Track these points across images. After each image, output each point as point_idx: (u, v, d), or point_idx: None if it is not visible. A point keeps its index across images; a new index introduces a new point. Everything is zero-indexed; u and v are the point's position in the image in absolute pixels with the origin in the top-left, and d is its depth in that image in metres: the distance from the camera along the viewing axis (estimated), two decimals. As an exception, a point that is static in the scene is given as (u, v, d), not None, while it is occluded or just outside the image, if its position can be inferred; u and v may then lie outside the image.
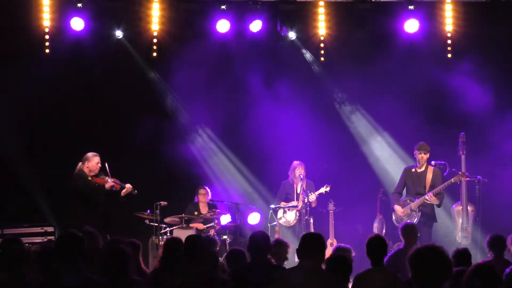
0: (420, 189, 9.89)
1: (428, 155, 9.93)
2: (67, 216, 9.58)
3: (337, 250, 6.62)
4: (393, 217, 10.06)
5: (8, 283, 5.42)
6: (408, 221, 9.50)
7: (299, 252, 5.10)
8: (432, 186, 9.78)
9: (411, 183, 10.00)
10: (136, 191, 9.69)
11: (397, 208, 9.91)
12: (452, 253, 6.18)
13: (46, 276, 5.12)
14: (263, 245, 5.68)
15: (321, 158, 11.81)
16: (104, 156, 9.82)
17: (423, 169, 9.95)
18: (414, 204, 9.79)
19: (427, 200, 9.69)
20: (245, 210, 10.99)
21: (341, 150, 11.84)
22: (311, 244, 5.06)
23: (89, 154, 9.48)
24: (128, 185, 9.64)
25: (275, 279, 5.01)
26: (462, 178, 9.69)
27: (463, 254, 6.14)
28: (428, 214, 9.83)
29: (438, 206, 9.91)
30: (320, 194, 10.62)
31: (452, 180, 9.68)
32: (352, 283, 5.79)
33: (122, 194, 9.64)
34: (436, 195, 9.69)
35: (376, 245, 5.87)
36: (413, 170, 10.03)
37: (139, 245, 6.30)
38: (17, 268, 5.16)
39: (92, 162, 9.41)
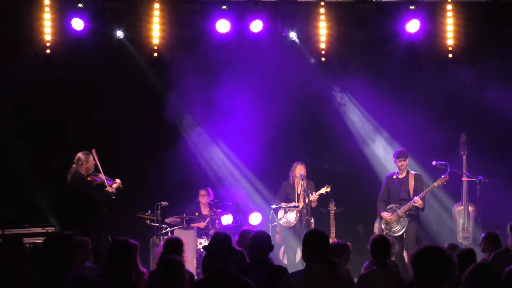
0: (404, 195, 10.03)
1: (407, 161, 10.09)
2: (69, 219, 9.57)
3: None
4: (379, 225, 10.13)
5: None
6: (398, 227, 9.88)
7: (304, 253, 5.05)
8: (415, 191, 9.94)
9: (394, 190, 10.14)
10: (122, 186, 9.64)
11: (385, 214, 10.03)
12: (456, 253, 6.17)
13: (41, 276, 5.11)
14: (264, 245, 5.65)
15: (322, 158, 11.81)
16: (104, 157, 9.83)
17: (404, 175, 10.11)
18: (401, 211, 9.94)
19: (414, 203, 9.83)
20: (246, 211, 10.98)
21: (342, 150, 11.84)
22: (316, 243, 5.01)
23: (82, 155, 9.33)
24: (117, 180, 9.63)
25: (282, 282, 4.97)
26: (445, 182, 9.82)
27: (467, 254, 6.11)
28: (413, 216, 10.00)
29: (422, 209, 10.02)
30: (321, 194, 10.62)
31: (435, 184, 9.84)
32: (356, 283, 5.78)
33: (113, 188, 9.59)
34: (422, 198, 9.84)
35: (380, 245, 5.86)
36: (394, 177, 10.20)
37: (136, 246, 6.28)
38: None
39: (89, 161, 9.36)
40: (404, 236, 9.92)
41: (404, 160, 10.05)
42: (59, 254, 4.63)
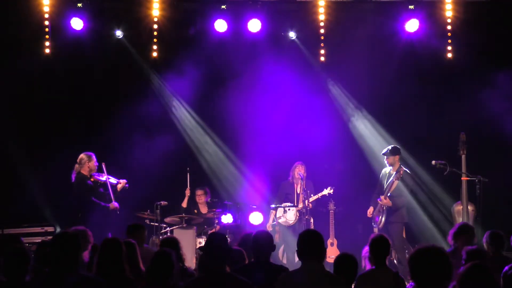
0: (387, 190, 10.18)
1: (391, 158, 10.26)
2: (69, 218, 9.63)
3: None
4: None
5: (6, 285, 5.44)
6: (380, 217, 10.10)
7: (299, 252, 5.07)
8: (397, 190, 10.13)
9: (383, 184, 10.32)
10: (128, 185, 9.78)
11: (370, 210, 10.35)
12: (464, 253, 6.18)
13: (45, 275, 5.13)
14: (266, 245, 5.64)
15: (321, 158, 11.81)
16: (104, 156, 9.86)
17: (393, 171, 10.26)
18: (378, 208, 10.23)
19: (380, 202, 10.10)
20: (246, 210, 10.99)
21: (342, 150, 11.84)
22: (310, 243, 5.03)
23: (85, 156, 9.62)
24: (123, 180, 9.76)
25: (279, 281, 4.98)
26: (400, 176, 10.00)
27: (476, 253, 6.08)
28: (394, 213, 10.11)
29: (393, 207, 10.08)
30: (323, 196, 10.70)
31: (394, 180, 10.00)
32: (355, 282, 5.77)
33: (118, 189, 9.76)
34: (390, 197, 10.04)
35: (380, 245, 5.85)
36: (387, 171, 10.36)
37: (134, 245, 6.28)
38: (16, 269, 5.15)
39: (92, 162, 9.63)
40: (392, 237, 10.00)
41: (386, 158, 10.29)
42: (66, 253, 4.66)
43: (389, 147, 10.39)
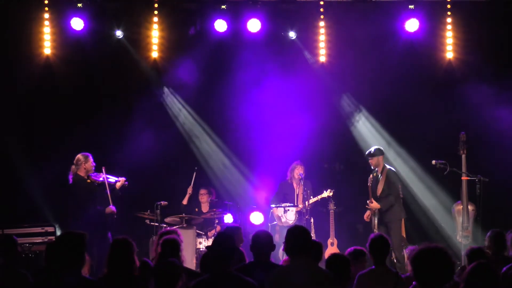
0: (374, 193, 10.13)
1: (375, 159, 10.16)
2: (67, 219, 9.63)
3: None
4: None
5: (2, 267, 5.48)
6: (374, 220, 10.00)
7: (288, 248, 5.08)
8: (384, 189, 10.06)
9: (372, 186, 10.22)
10: (127, 182, 9.75)
11: (366, 214, 10.22)
12: (466, 252, 6.20)
13: (44, 275, 5.14)
14: (265, 244, 5.65)
15: (321, 157, 11.81)
16: (104, 156, 9.85)
17: (379, 172, 10.18)
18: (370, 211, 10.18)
19: (367, 206, 10.05)
20: (246, 210, 10.99)
21: (341, 149, 11.85)
22: (300, 239, 5.05)
23: (81, 157, 9.58)
24: (122, 178, 9.76)
25: (273, 278, 4.99)
26: (385, 174, 9.94)
27: (477, 253, 6.09)
28: (388, 213, 10.03)
29: (382, 209, 10.00)
30: (323, 198, 10.69)
31: (380, 179, 9.96)
32: (355, 282, 5.78)
33: (117, 187, 9.73)
34: (379, 199, 9.98)
35: (379, 245, 5.86)
36: (374, 174, 10.28)
37: (132, 245, 6.28)
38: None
39: (88, 163, 9.56)
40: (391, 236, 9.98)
41: (370, 160, 10.18)
42: (70, 253, 4.66)
43: (372, 149, 10.26)
